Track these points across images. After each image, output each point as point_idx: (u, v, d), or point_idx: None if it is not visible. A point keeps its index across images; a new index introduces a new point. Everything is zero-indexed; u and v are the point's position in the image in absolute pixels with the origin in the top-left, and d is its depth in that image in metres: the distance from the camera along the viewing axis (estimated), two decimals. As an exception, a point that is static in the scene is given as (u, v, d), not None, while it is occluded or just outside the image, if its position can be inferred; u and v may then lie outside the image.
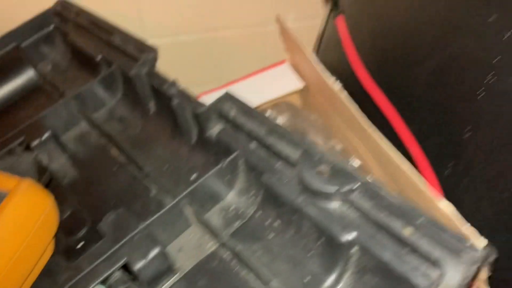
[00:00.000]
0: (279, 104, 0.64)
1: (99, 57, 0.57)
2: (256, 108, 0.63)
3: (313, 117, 0.58)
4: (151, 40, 0.78)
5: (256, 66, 0.78)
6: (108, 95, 0.56)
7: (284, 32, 0.62)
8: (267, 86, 0.65)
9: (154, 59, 0.53)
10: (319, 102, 0.58)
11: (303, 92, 0.67)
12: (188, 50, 0.80)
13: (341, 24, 0.54)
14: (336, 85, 0.50)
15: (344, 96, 0.49)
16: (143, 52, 0.53)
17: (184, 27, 0.78)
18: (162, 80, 0.50)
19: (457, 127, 0.42)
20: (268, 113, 0.65)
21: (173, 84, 0.48)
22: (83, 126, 0.55)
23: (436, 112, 0.44)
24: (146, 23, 0.76)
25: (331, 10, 0.56)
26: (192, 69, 0.83)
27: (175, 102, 0.46)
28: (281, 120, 0.62)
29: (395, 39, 0.49)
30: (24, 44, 0.66)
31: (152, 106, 0.52)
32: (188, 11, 0.76)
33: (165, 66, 0.83)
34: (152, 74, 0.52)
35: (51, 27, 0.67)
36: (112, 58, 0.56)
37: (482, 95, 0.39)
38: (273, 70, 0.67)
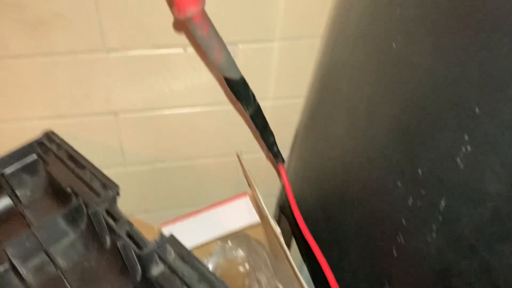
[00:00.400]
0: (238, 237, 0.67)
1: (68, 190, 0.62)
2: (210, 242, 0.67)
3: (265, 253, 0.61)
4: (130, 168, 0.85)
5: (228, 193, 0.82)
6: (70, 227, 0.60)
7: (243, 168, 0.67)
8: (228, 219, 0.69)
9: (115, 197, 0.57)
10: (269, 238, 0.61)
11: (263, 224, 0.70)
12: (164, 177, 0.86)
13: (282, 171, 0.59)
14: (277, 228, 0.53)
15: (281, 240, 0.52)
16: (106, 188, 0.58)
17: (162, 156, 0.84)
18: (116, 218, 0.53)
19: (379, 279, 0.44)
20: (228, 245, 0.68)
21: (124, 223, 0.52)
22: (43, 256, 0.58)
23: (364, 261, 0.47)
24: (126, 152, 0.82)
25: (274, 159, 0.61)
26: (167, 193, 0.87)
27: (120, 242, 0.49)
28: (239, 253, 0.65)
29: (331, 189, 0.53)
30: (8, 171, 0.72)
31: (107, 241, 0.56)
32: (165, 142, 0.82)
33: (141, 191, 0.88)
34: (111, 211, 0.56)
35: (34, 156, 0.74)
36: (80, 192, 0.61)
37: (394, 251, 0.42)
38: (234, 203, 0.71)
